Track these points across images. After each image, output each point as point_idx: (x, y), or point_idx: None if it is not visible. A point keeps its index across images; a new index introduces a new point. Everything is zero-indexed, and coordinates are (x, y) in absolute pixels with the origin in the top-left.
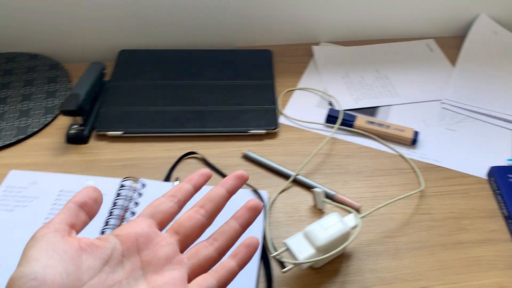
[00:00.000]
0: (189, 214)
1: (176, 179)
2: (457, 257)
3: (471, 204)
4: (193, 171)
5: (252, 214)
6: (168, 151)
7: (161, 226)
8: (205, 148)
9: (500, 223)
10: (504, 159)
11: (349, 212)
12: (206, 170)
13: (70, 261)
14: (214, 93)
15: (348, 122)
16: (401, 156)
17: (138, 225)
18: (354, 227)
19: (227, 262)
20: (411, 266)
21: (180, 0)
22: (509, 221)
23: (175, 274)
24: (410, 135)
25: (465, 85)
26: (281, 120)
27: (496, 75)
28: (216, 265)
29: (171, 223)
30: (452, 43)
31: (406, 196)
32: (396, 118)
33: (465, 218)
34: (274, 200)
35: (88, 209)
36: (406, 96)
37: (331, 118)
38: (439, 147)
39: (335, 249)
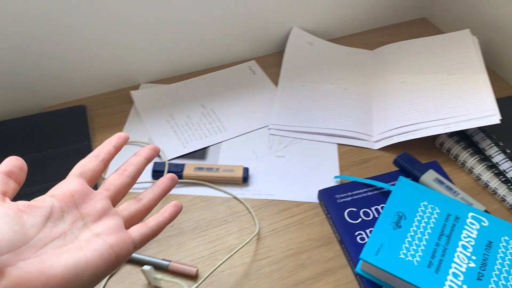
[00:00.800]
0: (116, 175)
1: None
2: None
3: (307, 234)
4: None
5: (171, 183)
6: None
7: (91, 183)
8: None
9: (336, 249)
10: (332, 177)
11: (189, 277)
12: (124, 133)
13: (12, 221)
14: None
15: (176, 174)
16: (235, 197)
17: (71, 183)
18: None
19: (157, 217)
20: None
21: None
22: (342, 246)
23: (114, 221)
24: (240, 174)
25: (288, 106)
26: None
27: (315, 88)
28: (149, 219)
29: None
30: (273, 61)
31: (243, 246)
32: (227, 155)
33: (303, 252)
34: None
35: (15, 176)
36: (234, 130)
37: (158, 173)
38: (270, 179)
39: None
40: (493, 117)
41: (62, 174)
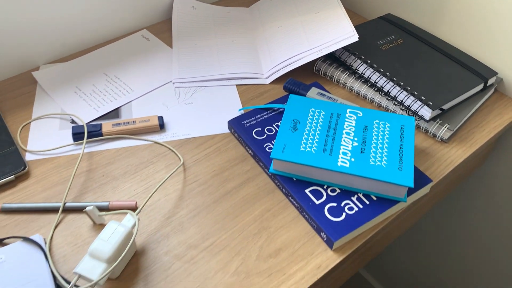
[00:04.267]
0: None
1: None
2: (229, 204)
3: (225, 157)
4: None
5: None
6: None
7: None
8: None
9: (251, 162)
10: (237, 110)
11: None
12: None
13: None
14: None
15: (95, 133)
16: (156, 142)
17: None
18: (134, 225)
19: None
20: (197, 231)
21: None
22: (256, 158)
23: None
24: (156, 122)
25: (186, 61)
26: (28, 157)
27: (206, 44)
28: None
29: None
30: (163, 28)
31: (170, 175)
32: (140, 112)
33: (225, 170)
34: (51, 239)
35: None
36: (141, 89)
37: (78, 135)
38: (184, 122)
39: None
40: (353, 37)
41: None
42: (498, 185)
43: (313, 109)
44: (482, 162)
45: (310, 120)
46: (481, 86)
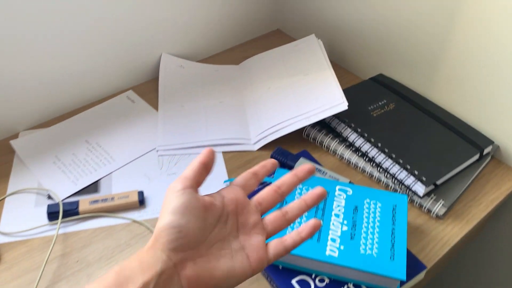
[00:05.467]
0: (270, 191)
1: None
2: None
3: None
4: None
5: (316, 198)
6: None
7: (247, 193)
8: None
9: None
10: (222, 182)
11: None
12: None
13: (200, 217)
14: None
15: (72, 211)
16: (134, 221)
17: (236, 192)
18: None
19: (294, 235)
20: None
21: None
22: None
23: (259, 238)
24: (135, 198)
25: (171, 126)
26: (0, 239)
27: (193, 106)
28: (286, 235)
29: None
30: (149, 88)
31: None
32: (120, 185)
33: None
34: None
35: (208, 168)
36: (122, 159)
37: (54, 214)
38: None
39: None
40: (342, 104)
41: None
42: (489, 262)
43: (300, 186)
44: (475, 236)
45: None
46: (477, 157)
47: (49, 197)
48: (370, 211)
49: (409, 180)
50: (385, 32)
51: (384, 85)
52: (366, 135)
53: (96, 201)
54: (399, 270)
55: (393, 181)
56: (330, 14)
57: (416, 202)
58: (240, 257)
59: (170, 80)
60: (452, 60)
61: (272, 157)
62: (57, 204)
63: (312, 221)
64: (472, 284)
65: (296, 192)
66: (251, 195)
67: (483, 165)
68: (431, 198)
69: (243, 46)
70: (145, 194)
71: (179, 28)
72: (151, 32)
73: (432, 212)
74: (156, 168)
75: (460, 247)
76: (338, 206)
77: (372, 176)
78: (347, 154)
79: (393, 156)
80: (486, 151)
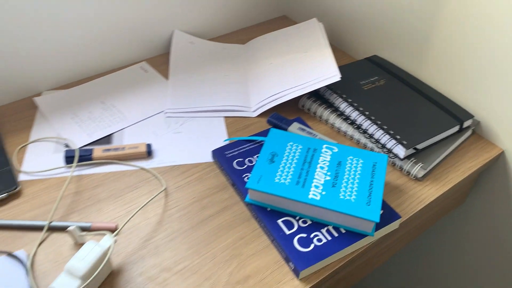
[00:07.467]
0: None
1: None
2: (205, 231)
3: (206, 185)
4: None
5: None
6: None
7: None
8: None
9: (230, 191)
10: (222, 141)
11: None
12: None
13: None
14: None
15: (86, 157)
16: (142, 168)
17: None
18: (109, 247)
19: None
20: (171, 255)
21: None
22: (234, 187)
23: None
24: (143, 149)
25: (179, 93)
26: (22, 177)
27: (200, 77)
28: None
29: None
30: (161, 61)
31: (149, 200)
32: (131, 139)
33: (204, 198)
34: (34, 255)
35: None
36: (134, 117)
37: (70, 159)
38: (171, 150)
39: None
40: (335, 76)
41: None
42: (470, 228)
43: (291, 143)
44: (459, 203)
45: (287, 154)
46: (456, 128)
47: (67, 146)
48: (352, 166)
49: (391, 143)
50: (381, 16)
51: (377, 64)
52: (355, 104)
53: (108, 150)
54: (374, 214)
55: (377, 145)
56: (333, 1)
57: (397, 165)
58: None
59: (180, 54)
60: (440, 42)
61: (268, 121)
62: (73, 150)
63: None
64: (453, 251)
65: (297, 153)
66: (245, 156)
67: (463, 137)
68: (411, 161)
69: (250, 29)
70: (153, 147)
71: (192, 8)
72: (166, 10)
73: (411, 174)
74: (164, 127)
75: (440, 210)
76: (324, 160)
77: (359, 142)
78: (338, 122)
79: (378, 123)
80: (466, 124)
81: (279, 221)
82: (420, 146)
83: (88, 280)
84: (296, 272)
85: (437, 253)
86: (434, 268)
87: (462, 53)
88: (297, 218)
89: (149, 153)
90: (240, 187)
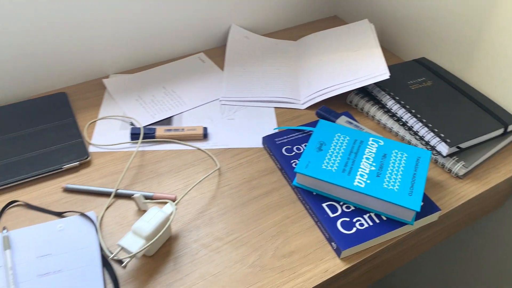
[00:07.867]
0: None
1: (4, 228)
2: (254, 208)
3: (256, 168)
4: (19, 218)
5: None
6: None
7: None
8: (25, 194)
9: (278, 175)
10: (272, 129)
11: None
12: None
13: None
14: (18, 143)
15: (150, 135)
16: (198, 149)
17: None
18: (172, 213)
19: None
20: (223, 226)
21: None
22: (282, 171)
23: None
24: (200, 131)
25: (234, 83)
26: (91, 149)
27: (253, 70)
28: None
29: None
30: (218, 53)
31: (207, 176)
32: (189, 122)
33: (254, 179)
34: (102, 217)
35: None
36: (192, 103)
37: (135, 135)
38: (225, 134)
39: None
40: (384, 74)
41: (53, 141)
42: (506, 231)
43: (339, 134)
44: (497, 206)
45: (334, 143)
46: (501, 131)
47: (132, 124)
48: (397, 158)
49: (435, 140)
50: (431, 20)
51: (424, 66)
52: (402, 102)
53: (169, 130)
54: (415, 203)
55: (421, 142)
56: (383, 3)
57: (440, 163)
58: None
59: (236, 47)
60: (488, 48)
61: (317, 113)
62: (139, 128)
63: None
64: (494, 248)
65: (344, 143)
66: (293, 144)
67: (506, 140)
68: (454, 159)
69: (301, 27)
70: (208, 131)
71: (248, 5)
72: (225, 6)
73: (452, 172)
74: (219, 113)
75: (479, 210)
76: (370, 152)
77: (403, 138)
78: (384, 118)
79: (424, 121)
80: (510, 128)
81: (324, 205)
82: (463, 145)
83: (152, 241)
84: (338, 251)
85: (472, 253)
86: (467, 267)
87: (509, 60)
88: (341, 203)
89: (205, 135)
90: (288, 171)
